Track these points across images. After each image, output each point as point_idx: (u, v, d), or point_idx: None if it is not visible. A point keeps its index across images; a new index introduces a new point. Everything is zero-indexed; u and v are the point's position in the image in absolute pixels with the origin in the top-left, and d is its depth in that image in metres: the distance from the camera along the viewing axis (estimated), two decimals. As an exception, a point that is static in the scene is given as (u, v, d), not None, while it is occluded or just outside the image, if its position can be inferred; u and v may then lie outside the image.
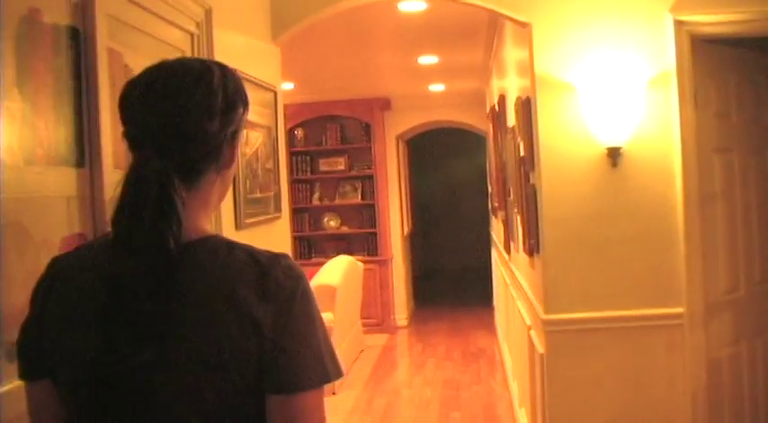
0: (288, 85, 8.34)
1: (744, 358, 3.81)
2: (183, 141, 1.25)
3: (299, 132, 10.03)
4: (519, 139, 4.32)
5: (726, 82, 3.77)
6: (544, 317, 3.60)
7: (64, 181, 1.90)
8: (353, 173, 10.07)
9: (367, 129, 9.95)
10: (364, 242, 10.03)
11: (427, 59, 7.17)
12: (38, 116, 1.79)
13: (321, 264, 8.31)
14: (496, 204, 7.21)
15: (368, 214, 10.01)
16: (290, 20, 4.00)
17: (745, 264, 3.81)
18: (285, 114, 9.58)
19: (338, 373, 1.29)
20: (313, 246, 10.20)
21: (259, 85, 3.67)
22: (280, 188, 3.93)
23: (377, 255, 9.91)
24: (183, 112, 1.24)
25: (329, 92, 9.22)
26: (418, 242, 13.46)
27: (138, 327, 1.20)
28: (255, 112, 3.53)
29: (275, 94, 4.00)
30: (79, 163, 1.94)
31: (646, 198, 3.53)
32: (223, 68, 1.35)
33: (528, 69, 3.71)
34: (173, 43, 2.53)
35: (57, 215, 1.87)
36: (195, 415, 1.21)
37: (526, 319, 4.49)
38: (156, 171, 1.21)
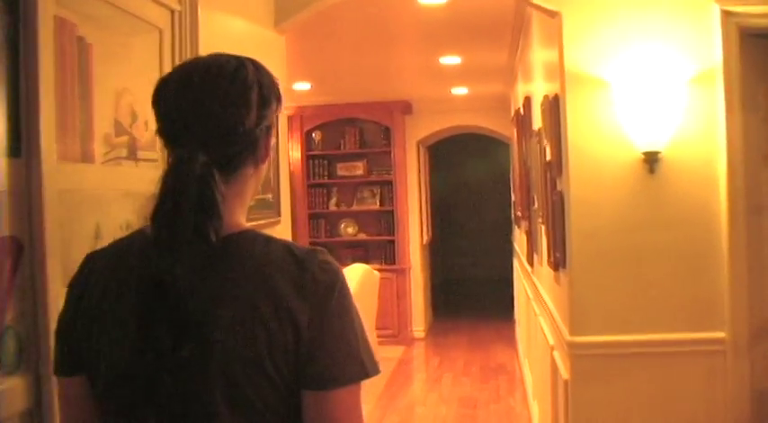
0: (304, 85, 8.05)
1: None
2: (223, 136, 1.26)
3: (316, 135, 9.78)
4: (545, 141, 3.97)
5: (777, 82, 3.40)
6: (569, 339, 3.24)
7: (-7, 173, 1.59)
8: (372, 178, 9.78)
9: (387, 133, 9.67)
10: (382, 250, 9.74)
11: (449, 60, 6.84)
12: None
13: (336, 272, 7.98)
14: (519, 214, 6.85)
15: (386, 221, 9.72)
16: (295, 5, 3.66)
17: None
18: (302, 116, 9.54)
19: (375, 370, 1.29)
20: (329, 253, 9.86)
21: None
22: (279, 191, 3.61)
23: (394, 263, 9.61)
24: (222, 107, 1.25)
25: (348, 93, 8.93)
26: (437, 251, 13.19)
27: (177, 324, 1.18)
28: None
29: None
30: (14, 152, 1.62)
31: (686, 209, 3.17)
32: (256, 64, 1.35)
33: (557, 66, 3.37)
34: (147, 19, 2.20)
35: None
36: (233, 413, 1.20)
37: (549, 339, 4.14)
38: (200, 166, 1.21)
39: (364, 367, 1.27)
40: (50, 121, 1.67)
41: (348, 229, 9.86)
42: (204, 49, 2.43)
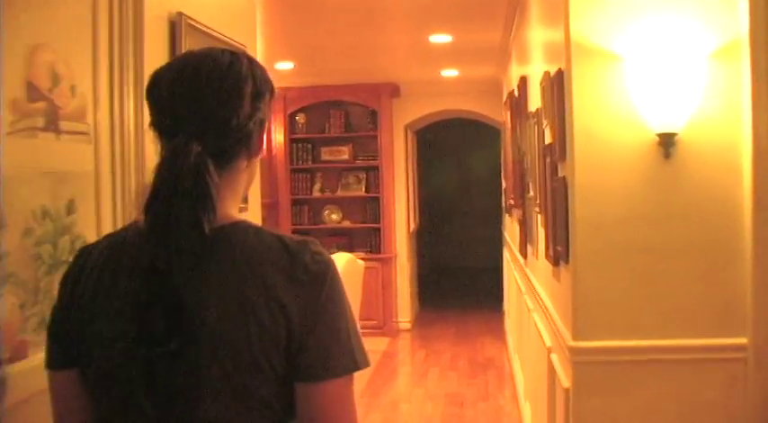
0: (287, 65, 7.66)
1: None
2: (218, 127, 1.27)
3: (300, 118, 9.42)
4: (545, 123, 3.61)
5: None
6: (572, 344, 2.89)
7: None
8: (358, 163, 9.43)
9: (373, 116, 9.31)
10: (367, 238, 9.40)
11: (440, 38, 6.46)
12: None
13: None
14: (512, 202, 6.50)
15: (372, 208, 9.38)
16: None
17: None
18: (285, 98, 9.13)
19: (366, 362, 1.30)
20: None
21: (219, 41, 2.89)
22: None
23: (380, 252, 9.27)
24: (216, 98, 1.26)
25: (333, 75, 8.54)
26: (425, 239, 12.90)
27: (171, 313, 1.19)
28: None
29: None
30: None
31: (705, 198, 2.82)
32: (249, 57, 1.37)
33: (560, 41, 3.01)
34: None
35: None
36: (223, 405, 1.20)
37: (546, 340, 3.79)
38: (194, 155, 1.22)
39: (355, 360, 1.28)
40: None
41: (332, 216, 9.51)
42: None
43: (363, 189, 9.43)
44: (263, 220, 5.61)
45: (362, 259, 8.26)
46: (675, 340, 2.83)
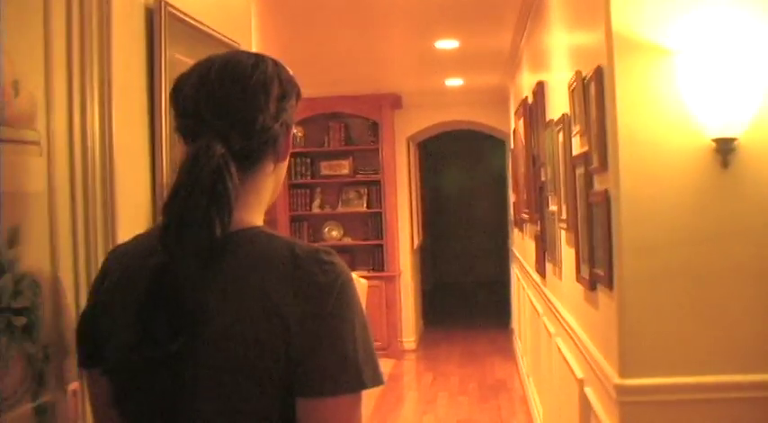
0: (284, 75, 7.30)
1: None
2: (243, 127, 1.25)
3: (298, 131, 9.04)
4: (575, 129, 3.24)
5: None
6: (618, 382, 2.50)
7: None
8: (359, 177, 9.07)
9: (374, 128, 8.96)
10: (369, 255, 9.03)
11: (446, 44, 6.11)
12: None
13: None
14: (525, 216, 6.12)
15: (374, 224, 9.00)
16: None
17: None
18: None
19: (376, 381, 1.23)
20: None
21: (209, 36, 2.51)
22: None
23: (383, 270, 8.90)
24: (241, 98, 1.25)
25: (332, 86, 8.18)
26: (429, 254, 12.58)
27: (174, 317, 1.17)
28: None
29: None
30: None
31: (769, 213, 2.45)
32: (275, 60, 1.36)
33: (598, 36, 2.64)
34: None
35: None
36: (219, 414, 1.18)
37: (576, 371, 3.41)
38: (218, 156, 1.19)
39: (361, 377, 1.21)
40: None
41: (332, 233, 9.14)
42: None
43: (365, 204, 9.08)
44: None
45: (365, 278, 7.90)
46: (739, 376, 2.45)
